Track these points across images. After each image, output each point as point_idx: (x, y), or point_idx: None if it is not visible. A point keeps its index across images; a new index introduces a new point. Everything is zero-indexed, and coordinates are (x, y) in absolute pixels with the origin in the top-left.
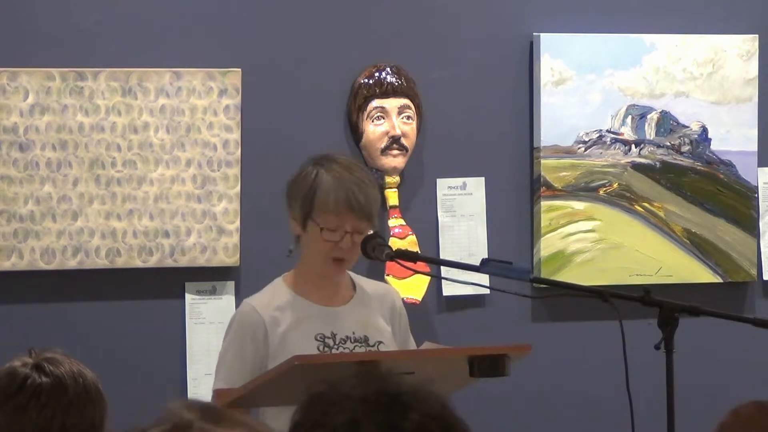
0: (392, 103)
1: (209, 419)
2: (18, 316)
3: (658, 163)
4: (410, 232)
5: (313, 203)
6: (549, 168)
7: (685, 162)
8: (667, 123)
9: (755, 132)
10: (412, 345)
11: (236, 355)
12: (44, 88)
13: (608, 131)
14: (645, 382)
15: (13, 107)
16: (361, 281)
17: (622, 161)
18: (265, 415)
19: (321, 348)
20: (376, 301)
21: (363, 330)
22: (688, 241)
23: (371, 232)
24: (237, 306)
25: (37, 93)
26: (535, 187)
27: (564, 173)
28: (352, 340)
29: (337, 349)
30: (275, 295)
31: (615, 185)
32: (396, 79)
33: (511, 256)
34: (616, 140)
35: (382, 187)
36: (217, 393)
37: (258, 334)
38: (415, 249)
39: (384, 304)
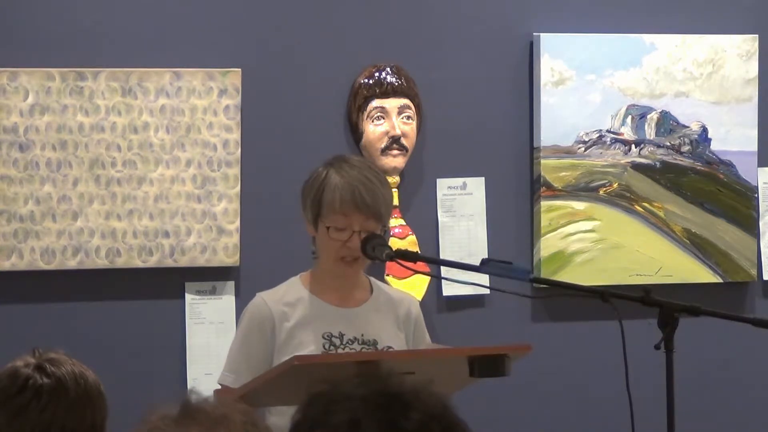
0: (392, 103)
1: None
2: (18, 316)
3: (658, 163)
4: (410, 232)
5: (321, 203)
6: (549, 168)
7: (685, 162)
8: (667, 123)
9: (755, 132)
10: None
11: (242, 347)
12: (44, 88)
13: (608, 131)
14: (645, 382)
15: (13, 107)
16: (381, 286)
17: (622, 161)
18: (272, 411)
19: (327, 346)
20: (392, 307)
21: (373, 333)
22: (688, 241)
23: (382, 231)
24: (237, 306)
25: (37, 93)
26: (535, 187)
27: (564, 173)
28: (360, 342)
29: (343, 349)
30: (289, 291)
31: (615, 185)
32: (396, 79)
33: (511, 256)
34: (616, 140)
35: None
36: (217, 393)
37: (266, 327)
38: (415, 249)
39: (399, 312)
